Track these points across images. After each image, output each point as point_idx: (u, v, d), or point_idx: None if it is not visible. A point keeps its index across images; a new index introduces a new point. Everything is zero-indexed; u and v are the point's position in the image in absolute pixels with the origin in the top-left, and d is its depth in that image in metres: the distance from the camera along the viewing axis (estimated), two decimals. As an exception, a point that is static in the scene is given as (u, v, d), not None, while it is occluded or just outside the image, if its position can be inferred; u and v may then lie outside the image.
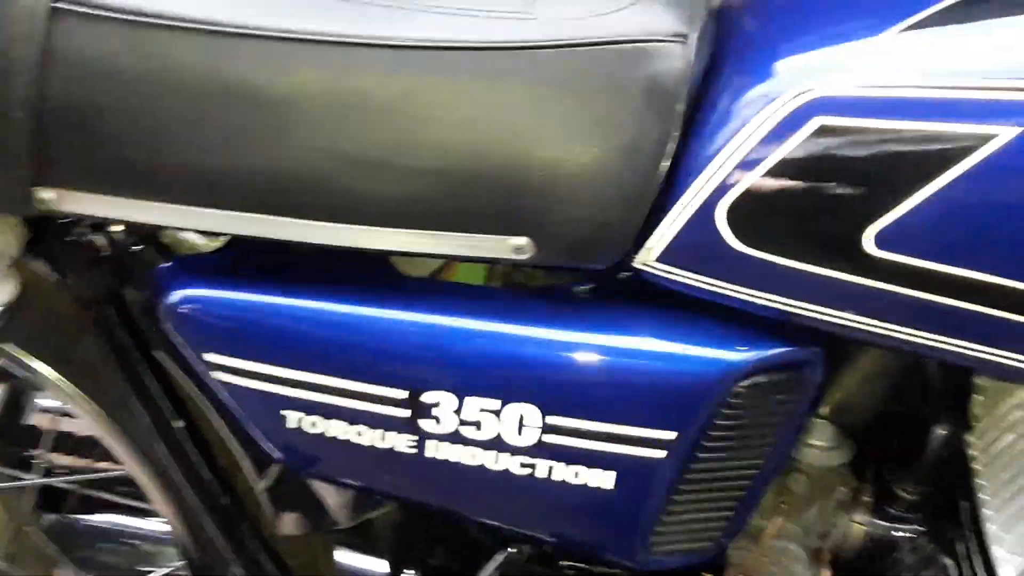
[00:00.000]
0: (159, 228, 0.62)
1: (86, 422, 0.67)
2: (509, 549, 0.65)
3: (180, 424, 0.68)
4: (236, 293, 0.57)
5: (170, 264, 0.60)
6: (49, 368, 0.64)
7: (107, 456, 0.72)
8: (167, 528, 0.72)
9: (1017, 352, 0.48)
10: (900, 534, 0.64)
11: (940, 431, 0.60)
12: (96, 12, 0.51)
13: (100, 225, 0.61)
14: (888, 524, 0.64)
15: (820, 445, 0.64)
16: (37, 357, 0.64)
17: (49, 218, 0.59)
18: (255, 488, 0.67)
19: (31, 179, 0.54)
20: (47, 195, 0.55)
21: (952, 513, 0.61)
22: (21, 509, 0.83)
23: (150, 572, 0.78)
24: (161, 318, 0.58)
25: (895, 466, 0.64)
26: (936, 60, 0.48)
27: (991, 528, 0.57)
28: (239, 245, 0.60)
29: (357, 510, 0.68)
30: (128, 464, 0.68)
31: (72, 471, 0.81)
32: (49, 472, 0.80)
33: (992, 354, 0.49)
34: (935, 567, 0.62)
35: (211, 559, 0.72)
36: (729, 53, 0.54)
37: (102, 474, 0.77)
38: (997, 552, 0.57)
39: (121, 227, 0.61)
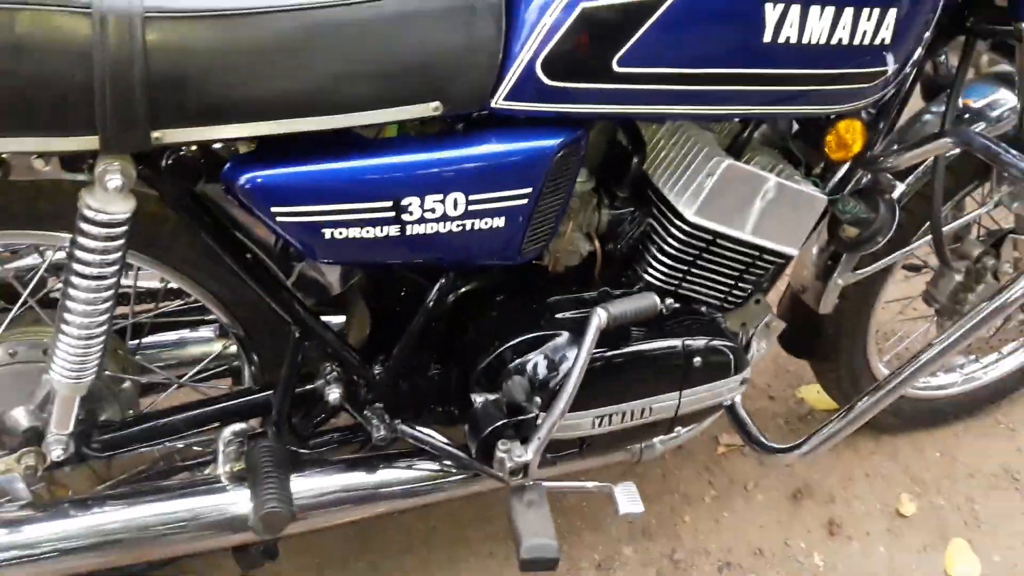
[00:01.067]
0: (217, 143, 0.90)
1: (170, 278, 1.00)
2: (442, 279, 1.08)
3: (246, 257, 1.00)
4: (279, 169, 0.91)
5: (230, 163, 0.91)
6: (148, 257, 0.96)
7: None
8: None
9: (679, 105, 0.98)
10: (622, 212, 1.16)
11: (634, 159, 1.12)
12: (171, 14, 0.79)
13: (178, 150, 0.89)
14: (616, 210, 1.16)
15: (579, 181, 1.13)
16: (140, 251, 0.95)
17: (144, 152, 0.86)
18: (286, 283, 1.03)
19: (148, 126, 0.81)
20: (156, 134, 0.83)
21: (646, 195, 1.14)
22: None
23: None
24: (236, 196, 0.90)
25: (616, 178, 1.14)
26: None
27: (669, 194, 1.11)
28: (265, 143, 0.91)
29: (344, 280, 1.07)
30: (198, 294, 1.03)
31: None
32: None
33: (673, 111, 0.99)
34: (644, 224, 1.15)
35: (254, 335, 1.10)
36: None
37: (180, 305, 1.08)
38: (674, 201, 1.10)
39: (195, 147, 0.90)
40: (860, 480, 1.75)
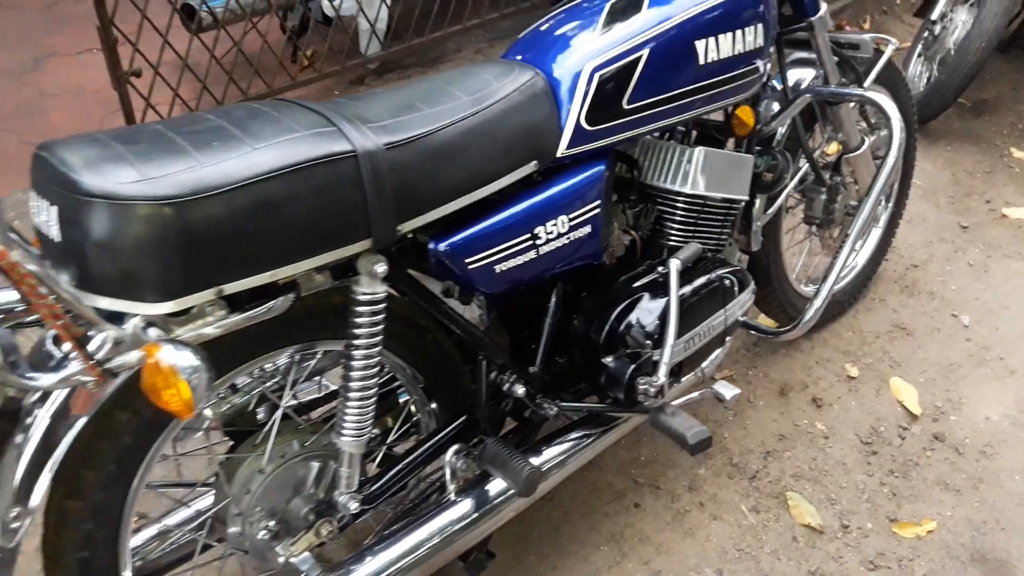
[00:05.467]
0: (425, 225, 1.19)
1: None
2: (553, 295, 1.41)
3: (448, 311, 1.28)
4: (463, 233, 1.22)
5: (432, 241, 1.21)
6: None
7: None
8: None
9: (663, 120, 1.40)
10: (638, 209, 1.55)
11: (635, 173, 1.52)
12: (398, 143, 1.10)
13: (399, 241, 1.18)
14: (634, 209, 1.54)
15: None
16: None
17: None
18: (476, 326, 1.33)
19: (396, 222, 1.11)
20: (400, 228, 1.12)
21: (648, 194, 1.54)
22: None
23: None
24: (440, 260, 1.20)
25: (627, 189, 1.54)
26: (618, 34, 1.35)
27: (666, 184, 1.51)
28: (444, 222, 1.22)
29: (488, 315, 1.38)
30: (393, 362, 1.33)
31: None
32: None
33: (662, 124, 1.40)
34: (655, 212, 1.54)
35: (434, 381, 1.38)
36: (546, 70, 1.33)
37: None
38: (670, 187, 1.51)
39: (409, 236, 1.19)
40: (814, 367, 2.20)
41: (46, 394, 1.02)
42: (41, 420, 1.01)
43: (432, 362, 1.38)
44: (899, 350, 2.26)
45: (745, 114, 1.64)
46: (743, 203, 1.63)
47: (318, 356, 1.30)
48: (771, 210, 1.88)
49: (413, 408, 1.44)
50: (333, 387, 1.44)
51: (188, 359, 0.88)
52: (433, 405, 1.42)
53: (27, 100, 2.93)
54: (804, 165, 1.90)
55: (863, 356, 2.24)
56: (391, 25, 3.10)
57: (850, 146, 1.94)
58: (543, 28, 1.42)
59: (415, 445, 1.37)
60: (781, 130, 1.77)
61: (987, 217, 2.84)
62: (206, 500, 1.36)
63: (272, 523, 1.26)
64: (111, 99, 2.49)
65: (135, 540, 1.31)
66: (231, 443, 1.33)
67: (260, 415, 1.34)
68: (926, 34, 3.23)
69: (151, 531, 1.33)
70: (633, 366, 1.41)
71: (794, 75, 1.85)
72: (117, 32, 2.29)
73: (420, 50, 3.19)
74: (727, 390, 1.50)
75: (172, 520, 1.35)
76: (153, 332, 0.96)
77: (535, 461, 1.36)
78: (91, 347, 0.95)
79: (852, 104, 1.91)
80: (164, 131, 1.02)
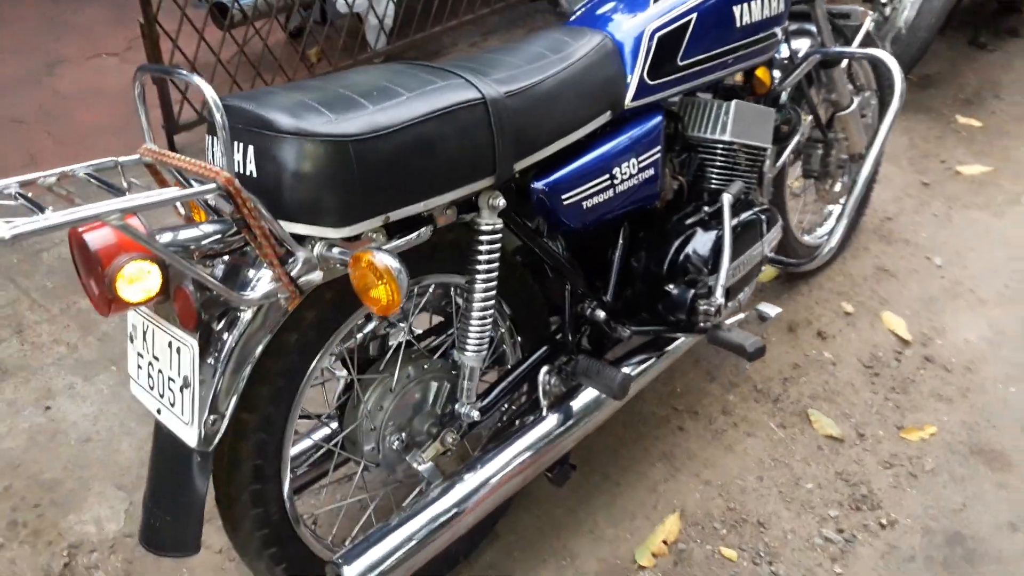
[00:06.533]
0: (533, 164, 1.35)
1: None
2: (620, 236, 1.59)
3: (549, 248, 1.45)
4: (559, 172, 1.39)
5: (534, 181, 1.37)
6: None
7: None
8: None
9: (710, 75, 1.60)
10: (682, 158, 1.74)
11: (679, 126, 1.71)
12: (514, 92, 1.27)
13: (511, 182, 1.34)
14: (679, 158, 1.73)
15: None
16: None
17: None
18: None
19: (514, 160, 1.27)
20: (516, 166, 1.28)
21: (690, 146, 1.73)
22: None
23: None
24: (542, 199, 1.37)
25: (672, 140, 1.72)
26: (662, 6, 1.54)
27: (706, 134, 1.70)
28: (541, 165, 1.39)
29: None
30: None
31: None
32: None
33: (709, 79, 1.60)
34: (697, 160, 1.73)
35: (521, 315, 1.54)
36: (611, 33, 1.51)
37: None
38: (710, 135, 1.71)
39: (517, 176, 1.35)
40: (815, 307, 2.43)
41: (234, 318, 1.15)
42: (232, 339, 1.14)
43: (519, 297, 1.54)
44: (885, 289, 2.51)
45: (764, 74, 1.85)
46: (767, 151, 1.84)
47: (431, 290, 1.45)
48: (778, 163, 2.10)
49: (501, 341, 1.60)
50: (419, 331, 1.58)
51: (395, 262, 1.03)
52: (519, 337, 1.58)
53: (47, 103, 2.99)
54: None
55: (855, 295, 2.48)
56: (396, 22, 3.25)
57: (842, 105, 2.18)
58: (598, 1, 1.61)
59: (509, 369, 1.53)
60: (784, 95, 1.99)
61: (944, 175, 3.13)
62: (329, 429, 1.50)
63: (403, 435, 1.41)
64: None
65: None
66: (345, 374, 1.47)
67: (371, 349, 1.49)
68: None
69: (298, 447, 1.46)
70: (693, 291, 1.60)
71: (794, 43, 2.07)
72: (160, 29, 2.39)
73: (421, 44, 3.34)
74: (770, 309, 1.70)
75: (312, 439, 1.49)
76: (336, 251, 1.10)
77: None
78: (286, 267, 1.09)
79: (843, 67, 2.14)
80: (324, 85, 1.17)
